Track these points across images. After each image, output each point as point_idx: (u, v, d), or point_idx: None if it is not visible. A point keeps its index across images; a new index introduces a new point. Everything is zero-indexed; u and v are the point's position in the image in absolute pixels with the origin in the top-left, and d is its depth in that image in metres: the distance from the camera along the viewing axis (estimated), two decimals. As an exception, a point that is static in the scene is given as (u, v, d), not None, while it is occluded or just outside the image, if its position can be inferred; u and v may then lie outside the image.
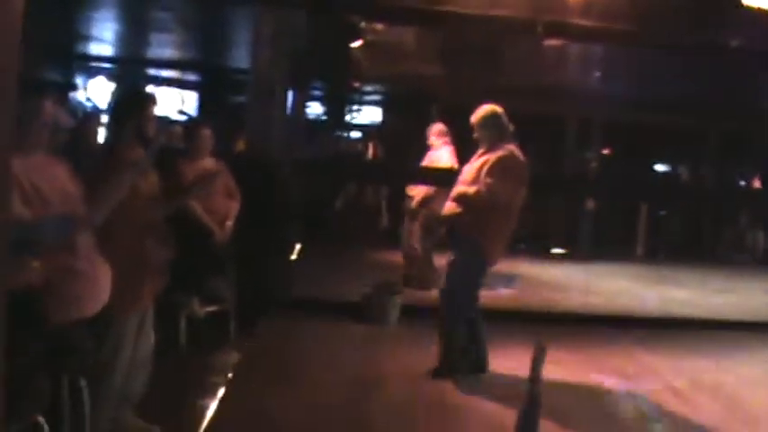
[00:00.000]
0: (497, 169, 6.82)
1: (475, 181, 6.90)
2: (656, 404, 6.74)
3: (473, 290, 7.10)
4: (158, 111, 5.19)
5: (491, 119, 7.06)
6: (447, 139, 10.46)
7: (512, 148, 6.95)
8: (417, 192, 10.43)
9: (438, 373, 7.01)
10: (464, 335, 7.11)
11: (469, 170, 7.08)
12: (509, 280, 12.04)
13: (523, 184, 6.95)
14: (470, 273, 7.02)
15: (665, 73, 13.53)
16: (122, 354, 4.81)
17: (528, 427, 4.79)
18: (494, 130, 7.02)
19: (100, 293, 4.06)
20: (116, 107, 5.31)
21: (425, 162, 10.56)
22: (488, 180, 6.80)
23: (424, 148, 10.62)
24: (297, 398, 6.29)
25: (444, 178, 7.60)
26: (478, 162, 7.01)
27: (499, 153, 6.89)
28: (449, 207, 7.09)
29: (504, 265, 12.80)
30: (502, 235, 7.00)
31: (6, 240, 2.56)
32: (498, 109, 7.10)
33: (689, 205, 17.50)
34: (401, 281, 10.04)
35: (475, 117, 7.11)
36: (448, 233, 7.18)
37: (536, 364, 4.70)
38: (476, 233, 6.86)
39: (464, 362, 7.23)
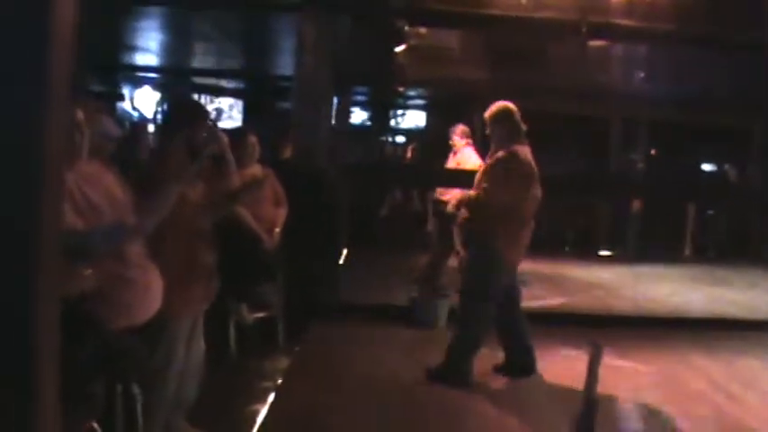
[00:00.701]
0: (494, 172, 6.78)
1: (479, 184, 6.88)
2: (710, 407, 6.67)
3: (491, 291, 6.90)
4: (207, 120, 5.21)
5: (501, 115, 6.96)
6: (470, 140, 10.39)
7: (515, 149, 6.78)
8: (453, 195, 10.34)
9: (434, 376, 6.91)
10: (479, 338, 6.94)
11: (479, 172, 7.07)
12: (555, 283, 12.01)
13: (527, 185, 6.77)
14: (486, 275, 6.90)
15: (710, 71, 13.42)
16: (174, 360, 4.84)
17: (585, 430, 4.74)
18: (504, 128, 6.91)
19: (151, 301, 4.10)
20: (167, 119, 5.33)
21: (450, 164, 10.47)
22: (484, 184, 6.76)
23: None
24: (346, 402, 6.30)
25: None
26: (486, 164, 7.02)
27: (499, 155, 6.82)
28: (461, 213, 7.08)
29: (550, 268, 12.90)
30: (515, 237, 6.85)
31: (61, 249, 2.59)
32: (511, 106, 6.98)
33: (736, 205, 17.29)
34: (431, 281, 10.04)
35: (488, 113, 7.04)
36: (463, 237, 7.17)
37: (592, 365, 4.65)
38: (487, 236, 6.79)
39: (510, 364, 7.23)
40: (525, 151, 6.86)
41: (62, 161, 2.59)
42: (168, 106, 9.09)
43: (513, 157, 6.76)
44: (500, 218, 6.72)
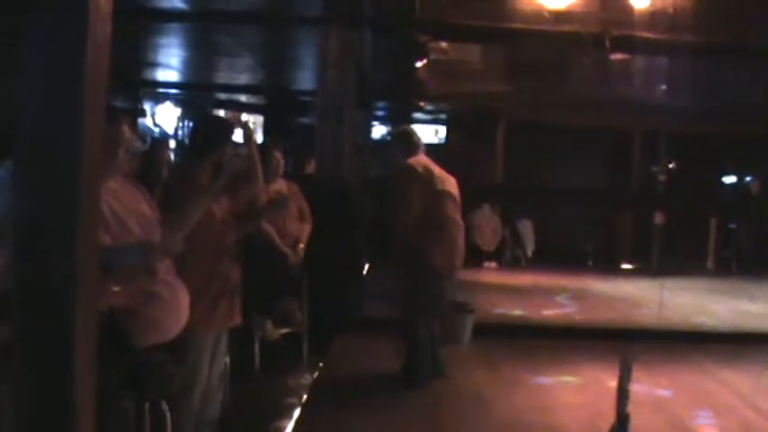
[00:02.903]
0: (392, 187, 7.34)
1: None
2: (738, 421, 6.62)
3: (424, 300, 7.26)
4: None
5: (400, 138, 7.48)
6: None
7: (409, 161, 7.11)
8: None
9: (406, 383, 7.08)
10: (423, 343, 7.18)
11: None
12: (578, 297, 11.98)
13: (423, 187, 7.01)
14: (416, 286, 7.28)
15: (731, 82, 13.35)
16: (199, 376, 4.84)
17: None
18: (401, 147, 7.31)
19: (179, 317, 4.09)
20: (197, 138, 5.26)
21: None
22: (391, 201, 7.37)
23: (490, 164, 10.51)
24: (372, 418, 6.29)
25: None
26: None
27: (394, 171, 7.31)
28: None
29: (573, 282, 12.86)
30: (441, 242, 7.08)
31: (96, 267, 2.60)
32: (409, 129, 7.69)
33: (759, 217, 17.16)
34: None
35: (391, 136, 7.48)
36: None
37: (623, 380, 4.62)
38: (414, 249, 7.13)
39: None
40: (419, 160, 7.16)
41: (98, 179, 2.60)
42: (197, 124, 9.06)
43: (405, 166, 7.10)
44: (419, 227, 7.01)
